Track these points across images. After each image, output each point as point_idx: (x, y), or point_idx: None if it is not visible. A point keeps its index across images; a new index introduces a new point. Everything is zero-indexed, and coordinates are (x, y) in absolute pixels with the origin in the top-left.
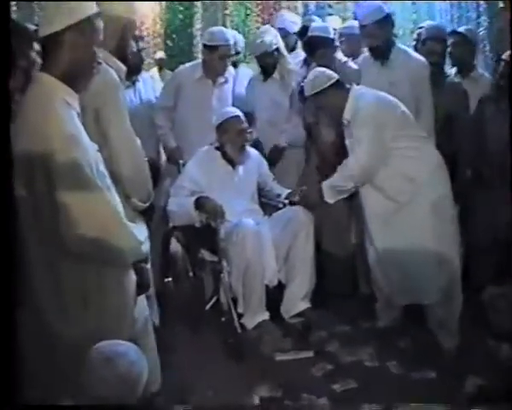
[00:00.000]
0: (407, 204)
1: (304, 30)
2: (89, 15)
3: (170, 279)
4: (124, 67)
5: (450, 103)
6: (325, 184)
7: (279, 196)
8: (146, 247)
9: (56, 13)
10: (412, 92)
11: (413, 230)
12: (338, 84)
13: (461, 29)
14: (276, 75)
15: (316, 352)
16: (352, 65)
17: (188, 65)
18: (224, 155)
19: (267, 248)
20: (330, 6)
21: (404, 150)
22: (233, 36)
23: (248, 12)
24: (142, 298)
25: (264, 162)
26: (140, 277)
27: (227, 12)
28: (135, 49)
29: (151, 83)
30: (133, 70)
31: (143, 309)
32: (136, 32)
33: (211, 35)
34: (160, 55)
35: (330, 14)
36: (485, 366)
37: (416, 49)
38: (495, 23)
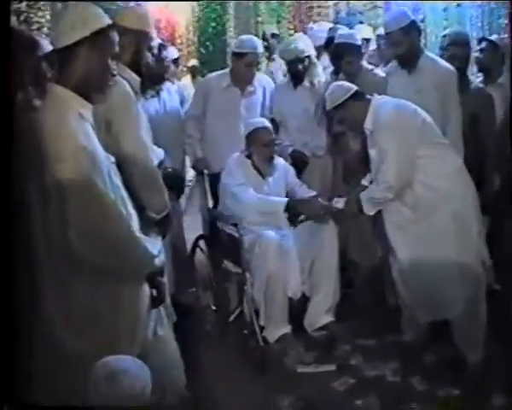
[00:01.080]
0: (429, 214)
1: (330, 41)
2: (103, 27)
3: (194, 290)
4: (138, 79)
5: (475, 109)
6: (364, 197)
7: None
8: (160, 260)
9: (71, 25)
10: (440, 101)
11: (435, 240)
12: (357, 96)
13: (491, 37)
14: (306, 83)
15: (338, 366)
16: (379, 72)
17: (215, 73)
18: (254, 165)
19: (291, 260)
20: (361, 13)
21: (425, 159)
22: None
23: (280, 19)
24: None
25: (292, 170)
26: (155, 290)
27: (259, 19)
28: (150, 60)
29: (177, 92)
30: (156, 80)
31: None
32: (163, 41)
33: (240, 42)
34: (193, 62)
35: (361, 22)
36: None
37: (440, 55)
38: None
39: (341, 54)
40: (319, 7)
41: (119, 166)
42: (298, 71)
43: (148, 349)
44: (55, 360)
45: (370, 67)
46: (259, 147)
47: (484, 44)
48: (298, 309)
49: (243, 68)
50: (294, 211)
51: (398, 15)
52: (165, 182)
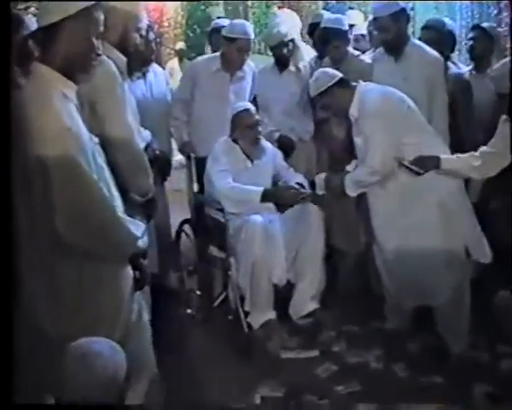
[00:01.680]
0: (414, 202)
1: (313, 27)
2: (87, 6)
3: (178, 274)
4: (124, 59)
5: (453, 95)
6: (348, 178)
7: (299, 184)
8: (143, 242)
9: (55, 3)
10: (426, 89)
11: (421, 229)
12: (342, 82)
13: (483, 24)
14: (291, 67)
15: (322, 352)
16: (365, 59)
17: (205, 57)
18: (242, 149)
19: (277, 247)
20: None
21: (410, 146)
22: None
23: (269, 4)
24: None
25: (279, 154)
26: (138, 272)
27: (248, 4)
28: (138, 42)
29: (163, 74)
30: (143, 61)
31: (138, 303)
32: (148, 22)
33: (231, 27)
34: (181, 45)
35: (351, 8)
36: (495, 373)
37: None
38: None
39: (328, 38)
40: None
41: (104, 147)
42: (283, 55)
43: (130, 333)
44: (36, 345)
45: (356, 52)
46: (244, 129)
47: (475, 32)
48: (283, 296)
49: (234, 53)
50: (271, 200)
51: (389, 2)
52: (151, 164)
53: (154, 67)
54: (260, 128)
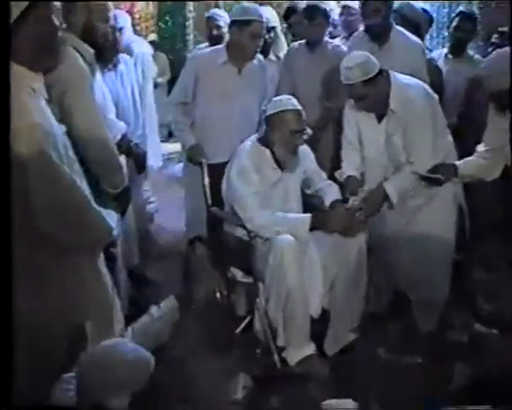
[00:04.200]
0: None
1: (289, 12)
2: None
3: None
4: (92, 51)
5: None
6: (389, 186)
7: (339, 201)
8: (116, 232)
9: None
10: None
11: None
12: (382, 70)
13: (467, 11)
14: (271, 56)
15: None
16: (341, 45)
17: (207, 49)
18: (274, 156)
19: (314, 272)
20: None
21: (439, 151)
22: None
23: None
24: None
25: (311, 155)
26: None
27: None
28: (107, 31)
29: (136, 59)
30: (110, 51)
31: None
32: (114, 13)
33: (242, 9)
34: (153, 37)
35: None
36: (473, 353)
37: None
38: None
39: (311, 16)
40: None
41: (73, 140)
42: (264, 42)
43: None
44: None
45: (336, 42)
46: (287, 134)
47: (460, 19)
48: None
49: (247, 40)
50: (321, 227)
51: None
52: (127, 156)
53: (124, 57)
54: (305, 136)
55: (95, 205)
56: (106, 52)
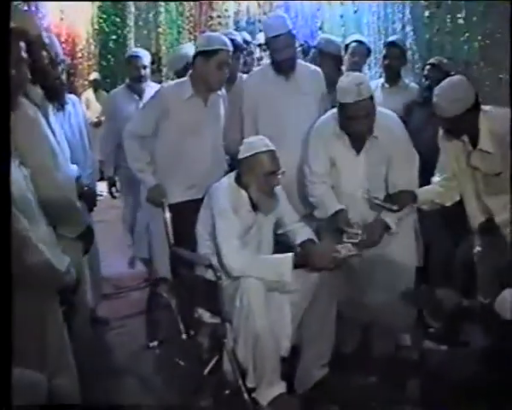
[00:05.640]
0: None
1: None
2: None
3: (155, 343)
4: (40, 91)
5: None
6: (387, 216)
7: (311, 241)
8: (70, 276)
9: None
10: (316, 103)
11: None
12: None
13: (394, 39)
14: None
15: None
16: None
17: (172, 83)
18: (250, 198)
19: (282, 313)
20: (260, 21)
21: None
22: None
23: (180, 30)
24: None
25: (283, 194)
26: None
27: (160, 30)
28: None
29: (79, 104)
30: (56, 93)
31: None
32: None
33: (207, 39)
34: (95, 76)
35: (261, 31)
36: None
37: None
38: (422, 32)
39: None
40: (219, 17)
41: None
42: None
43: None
44: None
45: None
46: (260, 177)
47: (389, 48)
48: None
49: (213, 70)
50: (304, 264)
51: (284, 19)
52: (79, 198)
53: (72, 97)
54: (280, 176)
55: (42, 248)
56: (52, 90)
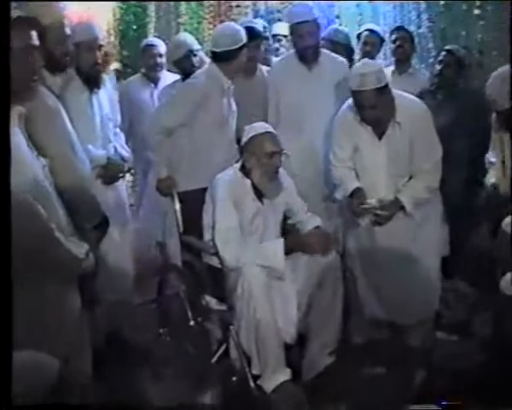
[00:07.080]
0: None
1: None
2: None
3: (165, 330)
4: (59, 81)
5: None
6: (405, 197)
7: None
8: (90, 262)
9: None
10: (336, 94)
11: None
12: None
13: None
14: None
15: None
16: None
17: (204, 77)
18: (253, 184)
19: (287, 300)
20: (279, 11)
21: None
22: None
23: (201, 20)
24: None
25: (292, 185)
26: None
27: (180, 21)
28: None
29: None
30: (91, 81)
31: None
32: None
33: (235, 33)
34: (116, 66)
35: (280, 20)
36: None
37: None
38: (437, 22)
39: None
40: (238, 6)
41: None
42: (185, 69)
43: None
44: None
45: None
46: (261, 158)
47: (399, 33)
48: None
49: (242, 64)
50: (296, 250)
51: (309, 7)
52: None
53: (106, 82)
54: (283, 157)
55: (60, 235)
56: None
